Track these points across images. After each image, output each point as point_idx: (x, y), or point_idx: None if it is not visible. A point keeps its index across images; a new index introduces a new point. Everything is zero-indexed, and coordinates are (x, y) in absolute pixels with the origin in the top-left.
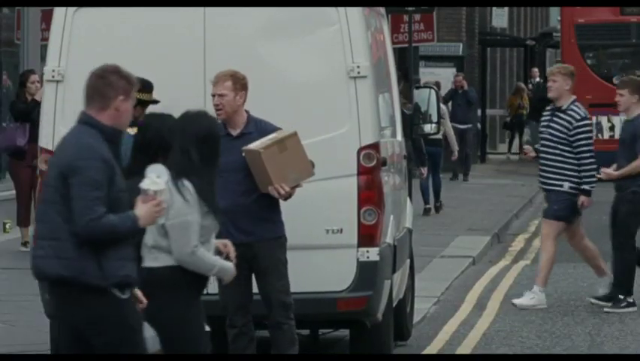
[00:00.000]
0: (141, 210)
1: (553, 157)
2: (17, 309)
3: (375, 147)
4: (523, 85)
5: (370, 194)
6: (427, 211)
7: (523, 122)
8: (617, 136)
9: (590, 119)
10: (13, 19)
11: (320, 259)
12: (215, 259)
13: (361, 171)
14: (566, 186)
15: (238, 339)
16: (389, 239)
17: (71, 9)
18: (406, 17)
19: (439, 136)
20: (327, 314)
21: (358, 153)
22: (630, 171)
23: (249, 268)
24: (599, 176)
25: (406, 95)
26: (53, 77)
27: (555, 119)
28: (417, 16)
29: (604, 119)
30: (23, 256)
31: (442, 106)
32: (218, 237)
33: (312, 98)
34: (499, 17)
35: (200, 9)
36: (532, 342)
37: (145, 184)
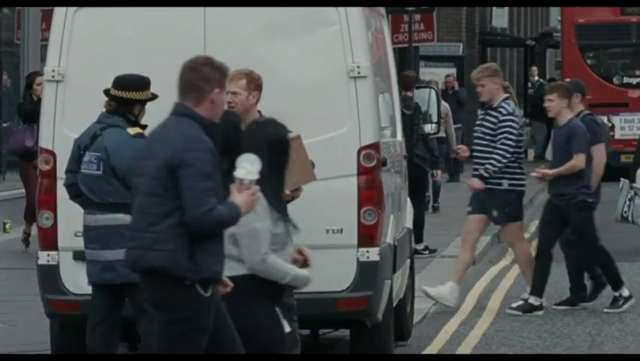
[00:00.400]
0: (239, 199)
1: (488, 155)
2: (17, 309)
3: (375, 147)
4: (507, 83)
5: (370, 194)
6: (435, 209)
7: None
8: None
9: (519, 116)
10: (13, 19)
11: (320, 259)
12: (290, 267)
13: (361, 171)
14: (505, 183)
15: None
16: (389, 239)
17: (71, 9)
18: (406, 17)
19: (442, 134)
20: (328, 314)
21: (358, 153)
22: (565, 170)
23: None
24: (533, 175)
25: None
26: (53, 77)
27: (487, 117)
28: (417, 16)
29: (604, 119)
30: (23, 256)
31: (444, 103)
32: None
33: (312, 98)
34: (500, 17)
35: (200, 9)
36: (533, 342)
37: (240, 174)
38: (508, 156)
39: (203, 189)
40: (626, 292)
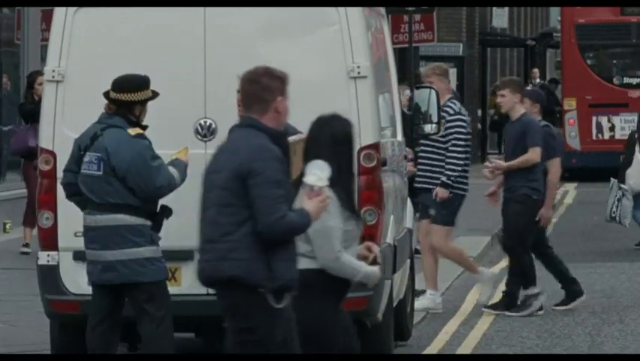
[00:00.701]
0: (309, 205)
1: (432, 155)
2: (17, 309)
3: (375, 147)
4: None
5: (370, 194)
6: None
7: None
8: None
9: (466, 115)
10: (13, 19)
11: None
12: (360, 264)
13: (361, 171)
14: None
15: None
16: (389, 239)
17: (71, 9)
18: (406, 17)
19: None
20: None
21: (358, 153)
22: (519, 164)
23: None
24: (485, 170)
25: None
26: (53, 77)
27: None
28: (417, 17)
29: (604, 119)
30: (24, 256)
31: None
32: None
33: (312, 98)
34: (500, 17)
35: (200, 9)
36: (533, 342)
37: (310, 180)
38: (461, 157)
39: (274, 197)
40: (534, 290)
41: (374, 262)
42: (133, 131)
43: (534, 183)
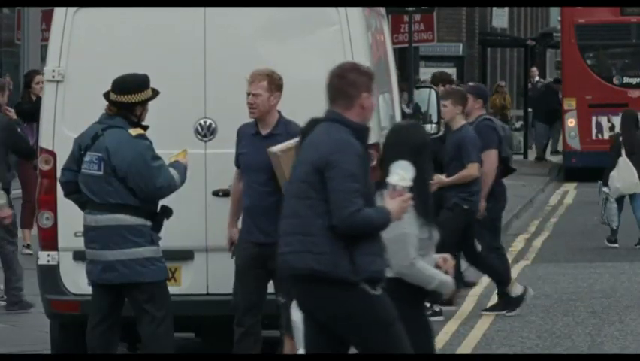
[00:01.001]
0: (391, 205)
1: None
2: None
3: (375, 147)
4: (503, 83)
5: None
6: None
7: (507, 122)
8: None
9: None
10: (13, 19)
11: None
12: (436, 272)
13: None
14: None
15: (244, 339)
16: None
17: (71, 9)
18: (406, 17)
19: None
20: None
21: None
22: (458, 179)
23: (265, 268)
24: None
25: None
26: (53, 77)
27: None
28: (417, 17)
29: (604, 120)
30: (24, 257)
31: None
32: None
33: (312, 98)
34: (500, 17)
35: (200, 9)
36: (533, 342)
37: (393, 180)
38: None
39: (349, 190)
40: (437, 307)
41: (447, 272)
42: (134, 131)
43: (465, 194)
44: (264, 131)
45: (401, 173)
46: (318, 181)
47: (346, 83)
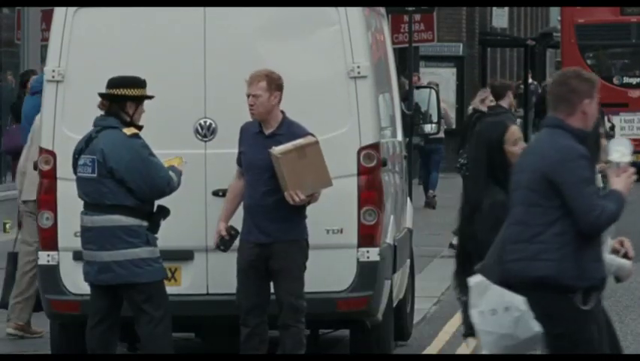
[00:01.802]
0: (619, 183)
1: None
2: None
3: (375, 147)
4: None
5: (370, 194)
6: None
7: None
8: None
9: None
10: (13, 19)
11: (320, 259)
12: (612, 257)
13: (361, 171)
14: None
15: (250, 339)
16: (389, 239)
17: (71, 9)
18: (406, 17)
19: (441, 135)
20: (328, 314)
21: (358, 153)
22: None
23: (266, 268)
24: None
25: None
26: (53, 77)
27: None
28: (417, 16)
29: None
30: None
31: (443, 105)
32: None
33: (312, 98)
34: (500, 17)
35: (200, 9)
36: None
37: (615, 157)
38: None
39: (588, 195)
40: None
41: (625, 256)
42: (128, 131)
43: None
44: (267, 131)
45: (621, 149)
46: (547, 189)
47: (568, 90)
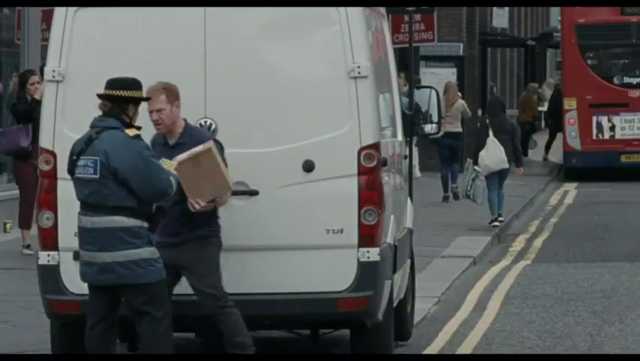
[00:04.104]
0: None
1: None
2: (18, 309)
3: (375, 147)
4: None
5: (371, 194)
6: (445, 199)
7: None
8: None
9: None
10: (13, 19)
11: (320, 259)
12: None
13: (362, 171)
14: None
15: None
16: (389, 239)
17: (72, 9)
18: (406, 17)
19: (460, 129)
20: (328, 314)
21: (359, 153)
22: None
23: (174, 267)
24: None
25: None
26: (54, 77)
27: None
28: (417, 17)
29: (604, 119)
30: (24, 256)
31: (462, 101)
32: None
33: (312, 98)
34: (500, 17)
35: (201, 9)
36: (533, 342)
37: None
38: None
39: None
40: None
41: None
42: (130, 132)
43: None
44: (171, 141)
45: None
46: None
47: None
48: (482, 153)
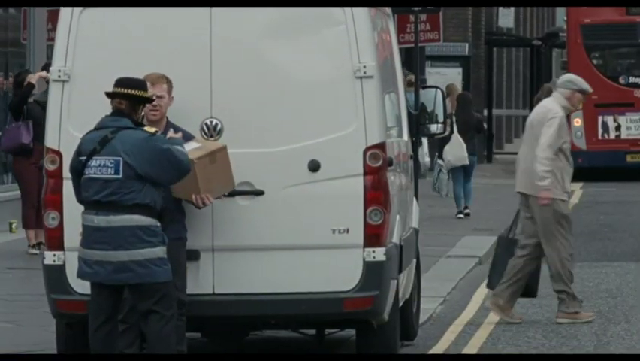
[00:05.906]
0: None
1: None
2: (23, 309)
3: (381, 146)
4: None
5: (376, 194)
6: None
7: None
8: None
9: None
10: (19, 19)
11: (326, 259)
12: None
13: (367, 171)
14: None
15: (125, 334)
16: (395, 239)
17: (77, 9)
18: (412, 17)
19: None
20: (334, 314)
21: (364, 152)
22: None
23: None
24: None
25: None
26: (59, 77)
27: None
28: (423, 16)
29: (610, 119)
30: (30, 256)
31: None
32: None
33: (318, 98)
34: (506, 17)
35: (207, 9)
36: (539, 342)
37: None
38: None
39: None
40: None
41: None
42: (149, 129)
43: None
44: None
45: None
46: None
47: None
48: (446, 148)
